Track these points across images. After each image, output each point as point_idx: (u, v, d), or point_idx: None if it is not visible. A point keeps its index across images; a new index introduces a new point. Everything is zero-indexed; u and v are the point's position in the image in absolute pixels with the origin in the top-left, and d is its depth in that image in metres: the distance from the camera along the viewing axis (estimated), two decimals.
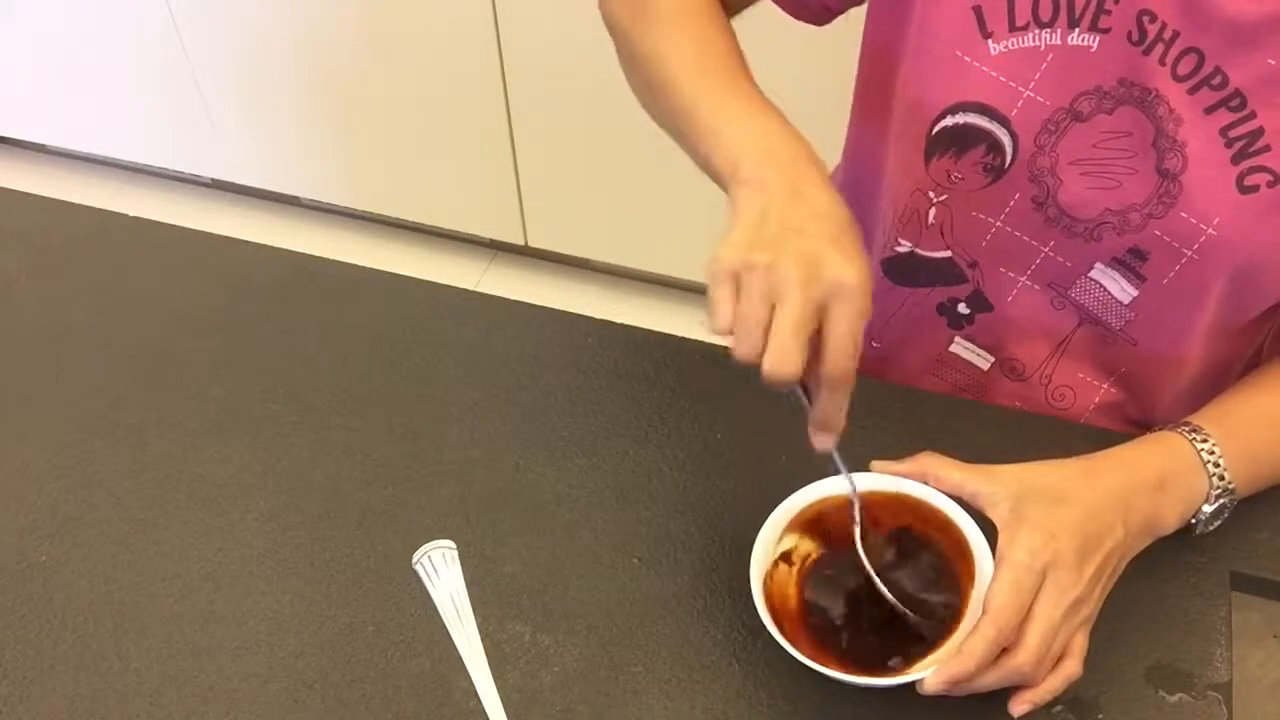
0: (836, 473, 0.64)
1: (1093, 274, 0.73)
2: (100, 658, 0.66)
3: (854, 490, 0.64)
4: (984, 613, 0.57)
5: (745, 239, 0.58)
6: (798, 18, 0.78)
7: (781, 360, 0.55)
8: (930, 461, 0.65)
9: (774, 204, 0.59)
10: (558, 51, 1.73)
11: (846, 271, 0.56)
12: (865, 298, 0.56)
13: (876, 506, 0.66)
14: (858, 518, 0.64)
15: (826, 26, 0.79)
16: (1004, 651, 0.57)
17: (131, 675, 0.65)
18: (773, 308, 0.55)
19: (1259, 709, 0.68)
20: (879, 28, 0.76)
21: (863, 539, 0.64)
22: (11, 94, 2.32)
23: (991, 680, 0.58)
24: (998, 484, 0.62)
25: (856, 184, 0.86)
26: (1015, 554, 0.58)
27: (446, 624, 0.67)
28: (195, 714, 0.64)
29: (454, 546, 0.71)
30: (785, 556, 0.66)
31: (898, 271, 0.81)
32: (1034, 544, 0.58)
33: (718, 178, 0.64)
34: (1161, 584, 0.67)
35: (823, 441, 0.60)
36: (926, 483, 0.65)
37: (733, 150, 0.63)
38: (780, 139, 0.63)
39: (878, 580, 0.63)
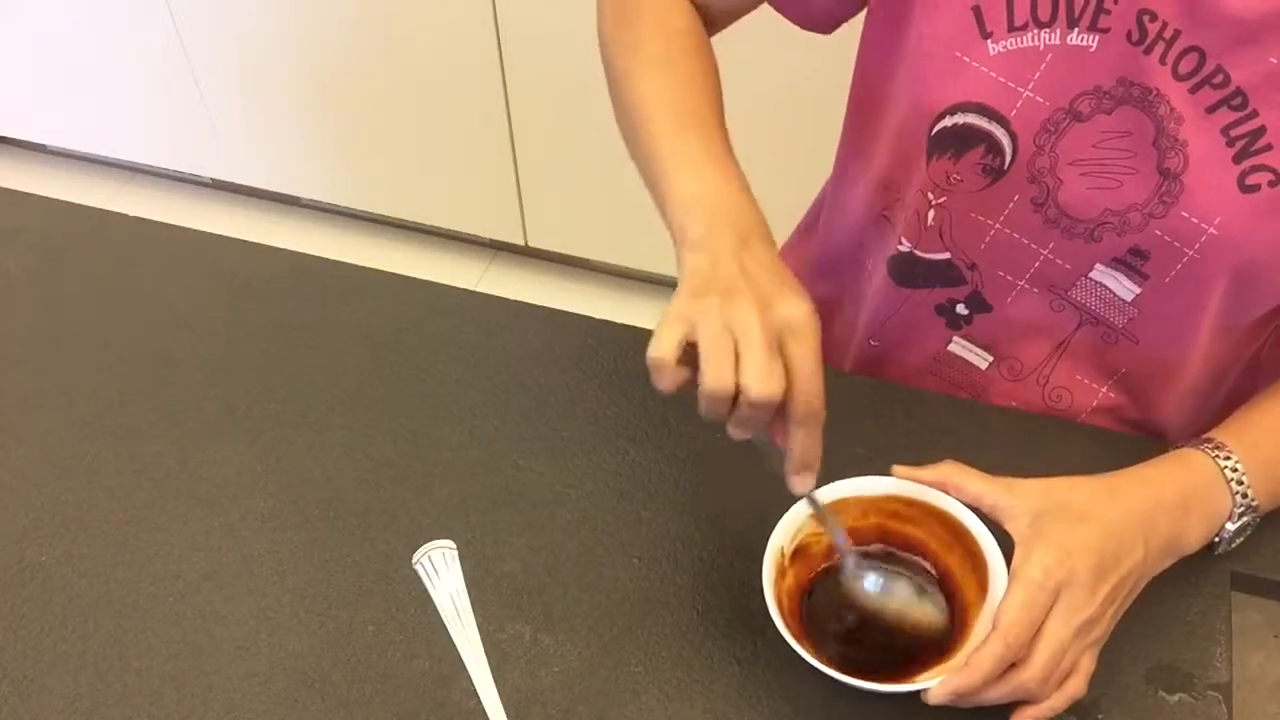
0: (818, 513, 0.64)
1: (1093, 274, 0.73)
2: (100, 658, 0.66)
3: (839, 533, 0.65)
4: (994, 628, 0.57)
5: (695, 289, 0.59)
6: (807, 28, 0.79)
7: (766, 379, 0.54)
8: (951, 471, 0.65)
9: (721, 258, 0.60)
10: (558, 52, 1.73)
11: (797, 307, 0.57)
12: (818, 333, 0.57)
13: (890, 513, 0.67)
14: (843, 546, 0.65)
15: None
16: (1011, 667, 0.57)
17: (131, 675, 0.65)
18: (734, 340, 0.56)
19: (1259, 709, 0.68)
20: (877, 30, 0.76)
21: (849, 569, 0.65)
22: (11, 94, 2.32)
23: (996, 695, 0.58)
24: (1018, 498, 0.62)
25: (849, 186, 0.86)
26: (1029, 571, 0.58)
27: (446, 624, 0.67)
28: (195, 714, 0.64)
29: (454, 546, 0.71)
30: (799, 552, 0.66)
31: (898, 272, 0.81)
32: (1049, 562, 0.58)
33: (670, 231, 0.65)
34: (1161, 584, 0.67)
35: (803, 483, 0.60)
36: (946, 491, 0.65)
37: (683, 210, 0.64)
38: (730, 205, 0.64)
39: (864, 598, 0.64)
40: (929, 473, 0.65)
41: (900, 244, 0.79)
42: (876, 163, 0.79)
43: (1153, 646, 0.65)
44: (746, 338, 0.56)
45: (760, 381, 0.54)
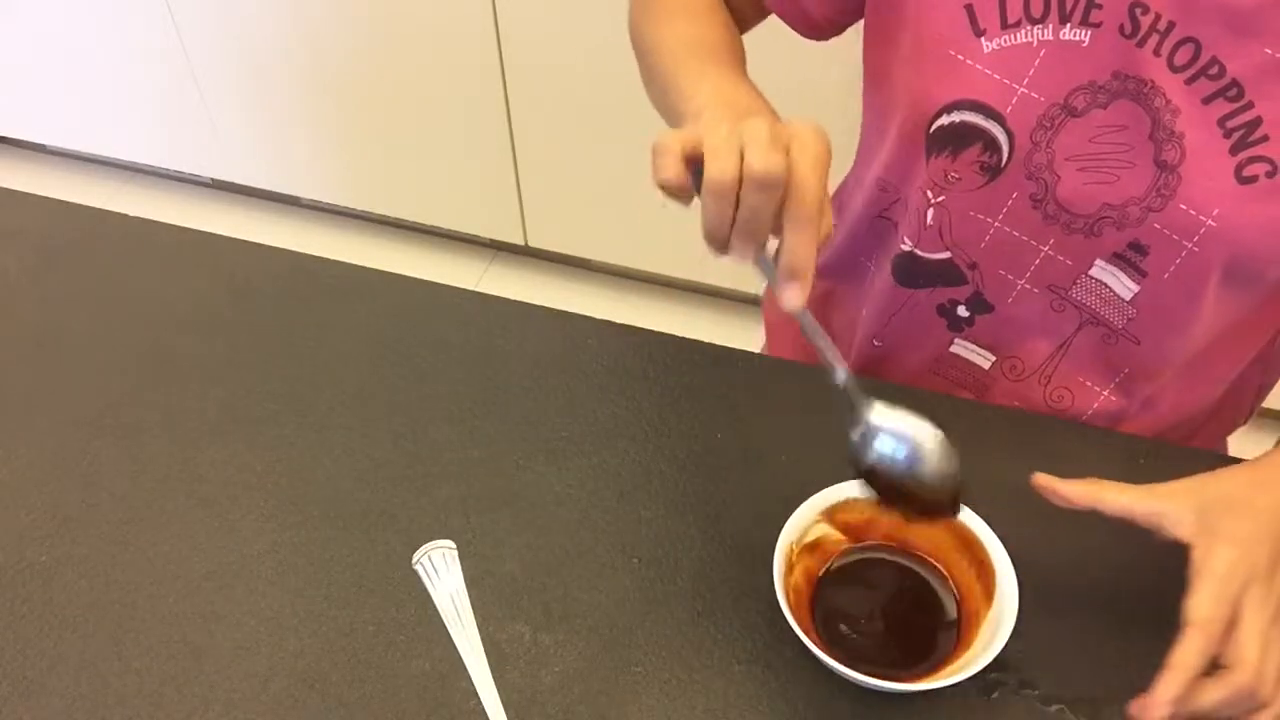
0: (812, 339, 0.58)
1: (1093, 272, 0.73)
2: (100, 658, 0.66)
3: (845, 377, 0.59)
4: (1188, 625, 0.55)
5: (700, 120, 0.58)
6: (810, 37, 0.81)
7: (767, 157, 0.52)
8: (1096, 487, 0.62)
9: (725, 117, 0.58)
10: (558, 51, 1.73)
11: (805, 125, 0.55)
12: (821, 143, 0.54)
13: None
14: (854, 405, 0.60)
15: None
16: (1222, 671, 0.55)
17: (131, 675, 0.65)
18: (741, 145, 0.53)
19: None
20: (875, 31, 0.76)
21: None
22: (11, 94, 2.32)
23: (1217, 699, 0.55)
24: (1176, 501, 0.61)
25: (856, 186, 0.86)
26: (1215, 565, 0.57)
27: (446, 624, 0.67)
28: (195, 714, 0.64)
29: (454, 546, 0.71)
30: (810, 548, 0.66)
31: (901, 271, 0.81)
32: (1233, 556, 0.57)
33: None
34: (1162, 584, 0.67)
35: (792, 296, 0.55)
36: (1093, 508, 0.62)
37: (698, 103, 0.63)
38: (745, 98, 0.63)
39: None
40: (1073, 487, 0.63)
41: (903, 243, 0.79)
42: (878, 162, 0.80)
43: (1153, 646, 0.65)
44: (753, 136, 0.53)
45: (762, 159, 0.52)
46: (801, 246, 0.54)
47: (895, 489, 0.61)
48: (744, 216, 0.54)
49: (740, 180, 0.53)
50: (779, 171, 0.52)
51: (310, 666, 0.66)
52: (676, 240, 1.87)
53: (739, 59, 0.74)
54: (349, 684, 0.65)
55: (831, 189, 0.94)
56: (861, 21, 0.77)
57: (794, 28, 0.80)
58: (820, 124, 0.55)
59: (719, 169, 0.53)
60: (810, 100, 1.59)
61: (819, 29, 0.79)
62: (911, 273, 0.80)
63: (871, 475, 0.61)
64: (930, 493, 0.60)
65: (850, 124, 0.85)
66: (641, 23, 0.79)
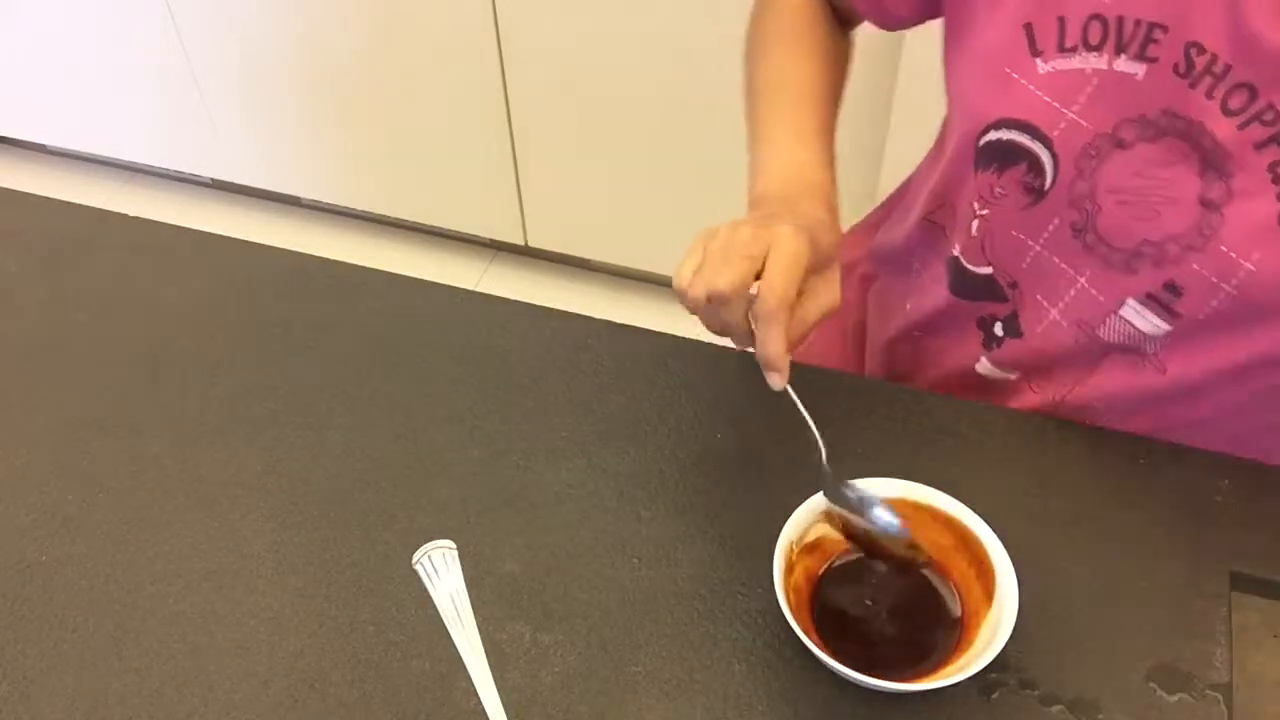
0: (805, 420, 0.66)
1: (1123, 311, 0.72)
2: (100, 658, 0.66)
3: (816, 434, 0.66)
4: None
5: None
6: (886, 29, 0.83)
7: (715, 276, 0.62)
8: None
9: (766, 205, 0.67)
10: (558, 51, 1.73)
11: (785, 228, 0.63)
12: (794, 244, 0.63)
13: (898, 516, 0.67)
14: (824, 456, 0.66)
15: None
16: None
17: (131, 675, 0.65)
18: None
19: (1259, 709, 0.68)
20: (950, 37, 0.76)
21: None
22: (11, 94, 2.32)
23: None
24: None
25: (919, 187, 0.87)
26: None
27: (446, 624, 0.67)
28: (195, 714, 0.64)
29: (454, 546, 0.71)
30: (810, 548, 0.66)
31: (955, 278, 0.81)
32: None
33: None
34: (1161, 584, 0.67)
35: (774, 381, 0.64)
36: None
37: (757, 179, 0.73)
38: (800, 172, 0.72)
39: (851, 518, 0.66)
40: None
41: (953, 249, 0.80)
42: (937, 168, 0.80)
43: (1153, 646, 0.65)
44: (728, 248, 0.62)
45: (725, 279, 0.62)
46: (769, 341, 0.62)
47: (871, 541, 0.66)
48: (720, 316, 0.64)
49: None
50: (726, 289, 0.62)
51: (310, 666, 0.66)
52: (676, 240, 1.87)
53: (826, 96, 0.80)
54: (349, 684, 0.65)
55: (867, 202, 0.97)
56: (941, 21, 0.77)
57: (873, 22, 0.82)
58: (798, 225, 0.65)
59: (694, 296, 0.64)
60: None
61: (900, 23, 0.81)
62: (963, 282, 0.81)
63: (848, 528, 0.67)
64: (895, 543, 0.65)
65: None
66: (749, 43, 0.84)
